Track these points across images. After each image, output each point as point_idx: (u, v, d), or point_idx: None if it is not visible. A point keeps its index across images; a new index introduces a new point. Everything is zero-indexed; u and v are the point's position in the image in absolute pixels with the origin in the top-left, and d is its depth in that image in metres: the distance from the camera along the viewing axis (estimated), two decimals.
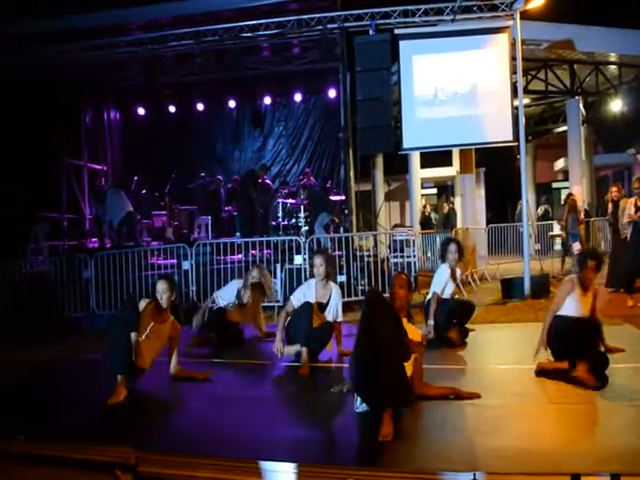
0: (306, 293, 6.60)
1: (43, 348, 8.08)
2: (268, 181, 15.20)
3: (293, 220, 13.71)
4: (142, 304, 5.66)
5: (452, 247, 7.41)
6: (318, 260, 6.67)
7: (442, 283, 7.32)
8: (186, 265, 10.77)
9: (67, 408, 5.20)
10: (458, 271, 7.63)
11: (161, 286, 5.89)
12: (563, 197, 22.81)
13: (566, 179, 19.28)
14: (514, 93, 11.40)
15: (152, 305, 5.71)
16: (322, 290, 6.63)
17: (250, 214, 13.21)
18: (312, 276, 6.81)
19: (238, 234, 13.27)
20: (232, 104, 16.98)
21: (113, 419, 4.91)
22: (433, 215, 18.51)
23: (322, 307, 6.57)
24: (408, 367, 4.49)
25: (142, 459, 3.80)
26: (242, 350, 7.62)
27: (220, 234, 14.03)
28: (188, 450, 3.97)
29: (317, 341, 6.35)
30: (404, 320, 4.77)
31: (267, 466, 3.66)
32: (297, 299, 6.59)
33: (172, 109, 17.00)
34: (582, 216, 11.51)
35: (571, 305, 5.61)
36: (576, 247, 11.21)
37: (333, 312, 6.60)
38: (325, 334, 6.41)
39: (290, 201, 14.00)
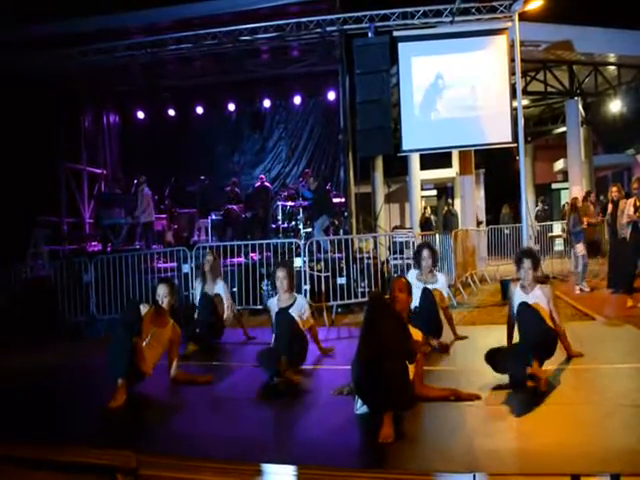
0: (272, 308, 6.56)
1: (43, 352, 8.08)
2: (267, 184, 15.22)
3: (293, 223, 13.72)
4: (142, 310, 5.65)
5: (425, 253, 7.26)
6: (281, 273, 6.55)
7: None
8: (186, 268, 10.76)
9: (68, 412, 5.20)
10: (442, 278, 7.38)
11: (162, 290, 5.89)
12: (563, 199, 22.94)
13: (566, 180, 19.29)
14: (513, 94, 11.42)
15: (152, 310, 5.71)
16: (285, 297, 6.56)
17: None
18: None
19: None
20: (231, 107, 16.98)
21: (114, 423, 4.91)
22: (432, 217, 18.51)
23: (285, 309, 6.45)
24: (410, 368, 4.49)
25: (143, 462, 3.81)
26: (240, 353, 7.63)
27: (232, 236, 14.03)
28: (189, 453, 3.98)
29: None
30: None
31: (267, 469, 3.67)
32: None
33: (171, 112, 17.01)
34: (585, 220, 11.30)
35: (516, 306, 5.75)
36: (579, 248, 11.12)
37: (298, 310, 6.43)
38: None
39: (290, 203, 14.01)
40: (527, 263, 5.81)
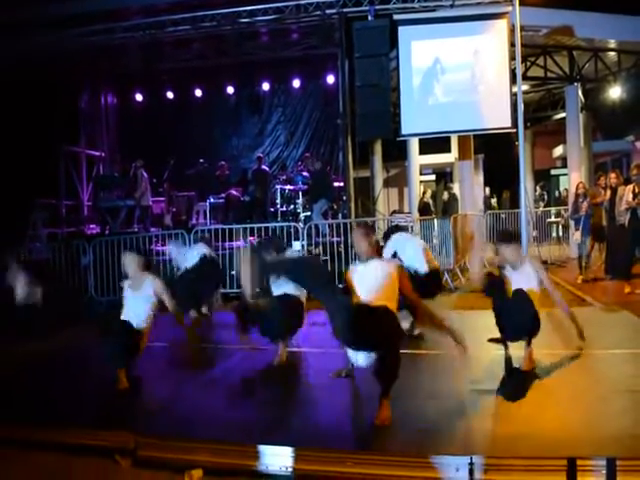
0: None
1: (41, 335, 8.08)
2: (265, 167, 15.16)
3: (291, 206, 13.70)
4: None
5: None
6: None
7: None
8: None
9: (66, 394, 5.21)
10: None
11: (127, 259, 5.85)
12: (562, 185, 22.95)
13: (565, 166, 19.23)
14: (513, 79, 11.36)
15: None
16: None
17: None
18: None
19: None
20: (230, 90, 16.90)
21: (112, 405, 4.94)
22: (431, 202, 18.48)
23: None
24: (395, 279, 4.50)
25: (141, 444, 3.84)
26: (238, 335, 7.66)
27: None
28: (187, 435, 3.99)
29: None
30: None
31: (265, 450, 3.69)
32: None
33: (170, 95, 16.94)
34: (583, 207, 10.82)
35: None
36: (576, 235, 10.91)
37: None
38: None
39: (288, 187, 13.98)
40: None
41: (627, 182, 10.13)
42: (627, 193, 9.51)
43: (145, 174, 14.10)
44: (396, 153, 18.93)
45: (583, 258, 10.85)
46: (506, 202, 19.83)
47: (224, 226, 11.57)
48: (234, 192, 14.41)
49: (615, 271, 10.24)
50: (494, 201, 20.89)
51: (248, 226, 11.48)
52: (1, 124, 12.05)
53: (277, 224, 11.83)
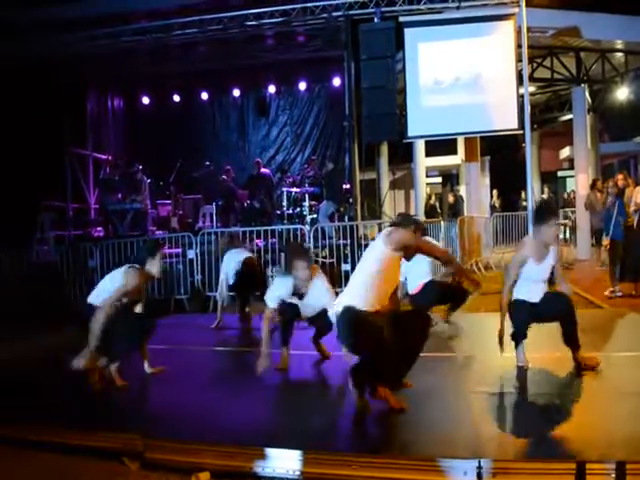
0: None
1: (49, 336, 8.10)
2: (264, 171, 15.09)
3: (298, 209, 13.70)
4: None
5: None
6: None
7: None
8: (191, 254, 10.82)
9: (74, 396, 5.22)
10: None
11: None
12: (569, 187, 22.93)
13: (572, 168, 19.20)
14: (519, 81, 11.34)
15: None
16: None
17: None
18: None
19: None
20: (237, 93, 16.96)
21: (119, 406, 4.94)
22: (437, 204, 18.46)
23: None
24: None
25: (149, 446, 3.84)
26: (246, 338, 7.67)
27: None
28: (194, 437, 3.99)
29: None
30: None
31: (271, 453, 3.68)
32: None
33: (177, 98, 17.00)
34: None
35: (525, 282, 5.10)
36: (604, 242, 10.35)
37: None
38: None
39: (295, 190, 13.98)
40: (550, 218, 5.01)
41: (636, 183, 10.06)
42: (636, 194, 9.45)
43: (145, 178, 14.10)
44: (402, 155, 18.93)
45: (614, 266, 9.65)
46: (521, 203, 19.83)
47: (231, 229, 11.59)
48: (240, 195, 14.42)
49: (629, 275, 10.05)
50: (495, 201, 20.83)
51: (255, 229, 11.48)
52: (9, 127, 12.09)
53: (283, 226, 11.84)
